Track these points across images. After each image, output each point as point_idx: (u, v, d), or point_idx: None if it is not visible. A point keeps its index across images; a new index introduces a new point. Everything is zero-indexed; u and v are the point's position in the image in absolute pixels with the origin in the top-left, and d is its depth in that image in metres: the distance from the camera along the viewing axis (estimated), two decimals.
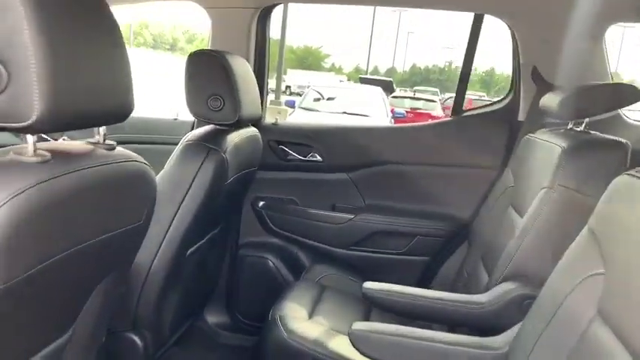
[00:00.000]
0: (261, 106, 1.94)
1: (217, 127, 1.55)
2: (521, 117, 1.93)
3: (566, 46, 1.77)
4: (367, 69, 32.82)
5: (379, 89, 9.78)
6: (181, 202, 1.41)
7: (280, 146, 2.11)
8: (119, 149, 0.95)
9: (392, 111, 9.19)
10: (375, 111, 8.42)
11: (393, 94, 13.16)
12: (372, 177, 2.07)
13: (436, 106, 12.52)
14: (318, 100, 8.91)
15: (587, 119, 1.45)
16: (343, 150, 2.10)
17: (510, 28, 1.88)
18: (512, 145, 1.91)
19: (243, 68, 1.57)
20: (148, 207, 1.04)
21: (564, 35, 1.76)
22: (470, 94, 20.56)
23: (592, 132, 1.45)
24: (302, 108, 8.57)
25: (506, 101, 2.01)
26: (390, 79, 18.25)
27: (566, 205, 1.29)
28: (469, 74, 2.01)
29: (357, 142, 2.11)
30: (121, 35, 0.85)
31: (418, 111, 11.74)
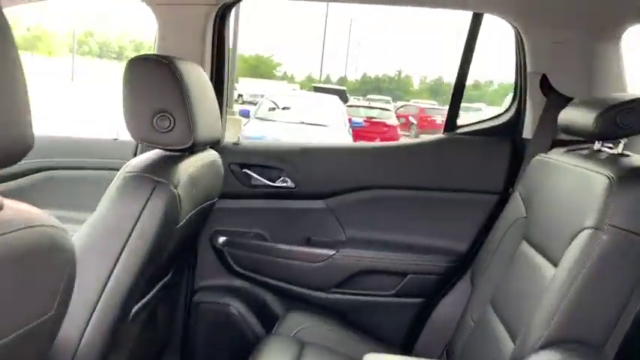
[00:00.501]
0: (221, 123, 1.61)
1: (166, 153, 1.22)
2: (526, 133, 1.67)
3: (580, 52, 1.53)
4: (320, 77, 32.74)
5: (336, 98, 9.59)
6: (120, 254, 1.07)
7: (244, 170, 1.78)
8: (14, 208, 0.61)
9: (349, 120, 8.99)
10: (333, 120, 8.23)
11: (348, 104, 13.03)
12: (354, 204, 1.77)
13: (391, 114, 12.47)
14: (274, 109, 8.66)
15: (625, 139, 1.19)
16: (319, 173, 1.79)
17: (516, 31, 1.62)
18: (516, 166, 1.65)
19: (198, 78, 1.24)
20: (62, 288, 0.70)
21: (579, 39, 1.52)
22: (420, 103, 20.76)
23: (630, 154, 1.20)
24: (257, 118, 8.26)
25: (508, 116, 1.74)
26: (344, 88, 18.13)
27: (624, 251, 1.01)
28: (464, 83, 1.74)
29: (336, 163, 1.80)
30: (13, 43, 0.56)
31: (373, 120, 11.64)
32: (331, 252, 1.70)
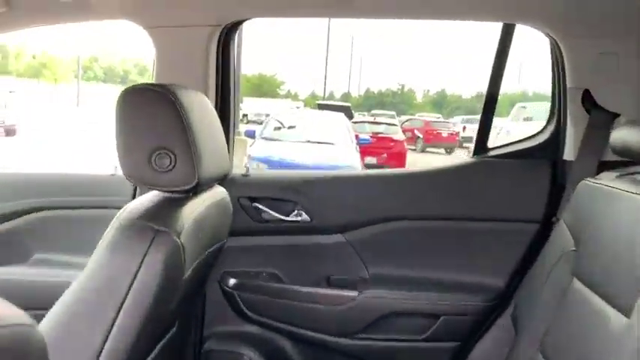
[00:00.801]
0: (229, 154, 1.45)
1: (167, 195, 1.06)
2: (567, 155, 1.50)
3: (627, 63, 1.37)
4: (324, 94, 32.77)
5: (342, 115, 9.49)
6: (116, 315, 0.92)
7: (254, 204, 1.62)
8: None
9: (356, 137, 8.87)
10: (339, 138, 8.14)
11: (353, 120, 12.94)
12: (377, 238, 1.60)
13: (397, 129, 12.35)
14: (279, 129, 8.58)
15: None
16: (337, 204, 1.62)
17: (553, 43, 1.46)
18: (558, 191, 1.49)
19: (201, 107, 1.09)
20: None
21: (626, 49, 1.36)
22: (425, 117, 20.57)
23: None
24: (263, 138, 8.16)
25: (546, 135, 1.57)
26: (349, 104, 18.05)
27: None
28: (496, 99, 1.57)
29: (355, 193, 1.64)
30: None
31: (380, 135, 11.52)
32: (354, 293, 1.53)
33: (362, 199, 1.62)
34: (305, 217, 1.61)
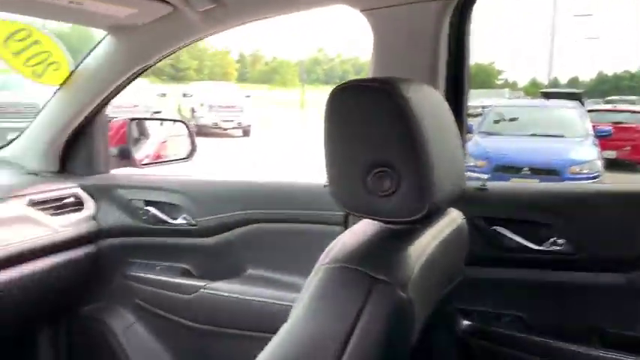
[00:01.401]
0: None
1: (387, 226, 0.79)
2: None
3: None
4: (548, 81, 29.78)
5: (575, 103, 8.32)
6: None
7: (493, 227, 1.26)
8: None
9: (593, 128, 7.66)
10: (571, 130, 7.13)
11: (587, 109, 11.38)
12: None
13: None
14: (499, 121, 7.90)
15: None
16: (613, 231, 1.17)
17: None
18: None
19: (433, 105, 0.79)
20: None
21: None
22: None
23: None
24: (482, 132, 7.57)
25: None
26: (580, 90, 15.92)
27: None
28: None
29: None
30: None
31: (620, 125, 9.97)
32: None
33: None
34: (565, 246, 1.19)
